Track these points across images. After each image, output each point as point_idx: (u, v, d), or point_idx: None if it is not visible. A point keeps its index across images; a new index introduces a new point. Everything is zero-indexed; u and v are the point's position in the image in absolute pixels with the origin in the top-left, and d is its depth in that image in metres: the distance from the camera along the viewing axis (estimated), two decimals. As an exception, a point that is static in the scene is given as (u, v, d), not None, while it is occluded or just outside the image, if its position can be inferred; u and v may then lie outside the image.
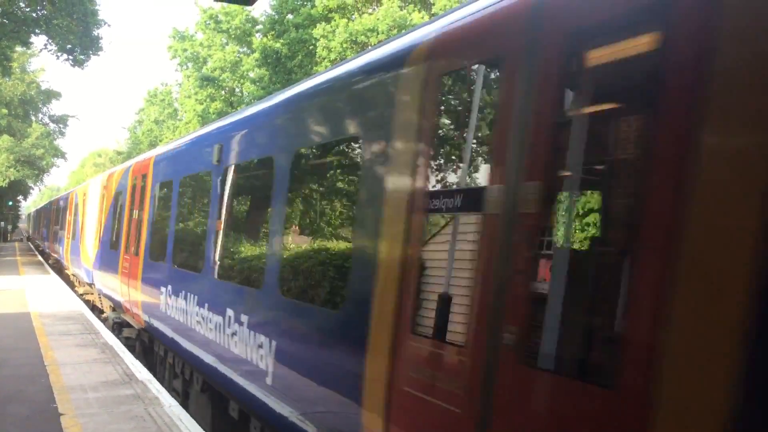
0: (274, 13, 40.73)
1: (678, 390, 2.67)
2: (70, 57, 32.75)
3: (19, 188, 76.06)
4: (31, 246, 64.26)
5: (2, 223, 75.55)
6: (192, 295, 9.39)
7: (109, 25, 41.39)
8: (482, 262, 3.79)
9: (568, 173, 3.60)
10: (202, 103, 43.24)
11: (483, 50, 4.21)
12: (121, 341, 14.38)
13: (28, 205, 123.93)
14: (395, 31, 30.95)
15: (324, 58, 34.15)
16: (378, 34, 32.01)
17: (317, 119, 6.50)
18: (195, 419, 8.77)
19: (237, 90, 44.98)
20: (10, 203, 78.16)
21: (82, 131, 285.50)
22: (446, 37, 4.62)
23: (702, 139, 2.72)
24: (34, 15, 31.08)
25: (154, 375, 11.28)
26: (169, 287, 10.64)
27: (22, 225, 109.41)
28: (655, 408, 2.74)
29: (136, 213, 14.21)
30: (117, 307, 16.16)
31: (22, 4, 30.61)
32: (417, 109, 4.61)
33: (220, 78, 43.45)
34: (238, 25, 43.55)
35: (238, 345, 7.41)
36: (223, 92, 44.80)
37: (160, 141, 55.60)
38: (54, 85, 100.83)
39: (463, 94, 4.52)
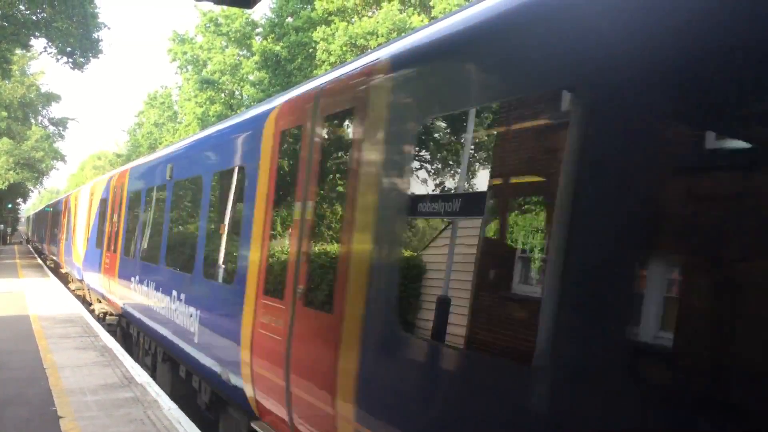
0: (273, 16, 40.78)
1: (352, 310, 5.09)
2: (70, 60, 32.76)
3: (18, 191, 76.09)
4: (31, 249, 64.24)
5: (2, 225, 75.55)
6: (151, 282, 11.86)
7: (108, 28, 41.38)
8: (292, 247, 6.36)
9: (318, 195, 6.16)
10: (201, 106, 43.29)
11: (296, 119, 6.76)
12: (104, 327, 16.66)
13: (28, 208, 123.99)
14: (395, 34, 30.96)
15: (324, 61, 34.16)
16: (378, 37, 32.03)
17: (224, 151, 9.17)
18: (160, 386, 10.51)
19: (237, 93, 45.05)
20: (10, 206, 78.20)
21: (82, 134, 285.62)
22: (284, 107, 7.20)
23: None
24: (33, 18, 31.10)
25: (131, 354, 13.38)
26: (137, 277, 13.00)
27: (22, 228, 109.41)
28: (346, 322, 5.11)
29: (114, 217, 16.73)
30: (102, 298, 18.40)
31: (22, 7, 30.64)
32: (269, 152, 7.21)
33: (220, 81, 43.52)
34: (238, 28, 43.62)
35: (179, 317, 9.77)
36: (222, 95, 44.87)
37: (160, 144, 55.62)
38: (54, 88, 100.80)
39: (291, 145, 6.94)
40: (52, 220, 41.73)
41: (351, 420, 4.95)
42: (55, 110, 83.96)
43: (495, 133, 4.29)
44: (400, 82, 5.01)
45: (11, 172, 58.60)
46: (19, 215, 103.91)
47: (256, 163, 7.50)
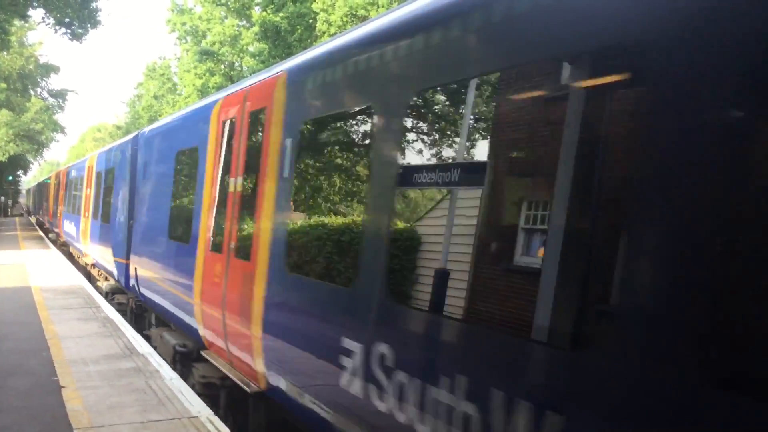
0: (273, -14, 40.35)
1: (262, 258, 7.03)
2: (68, 30, 32.46)
3: (18, 163, 75.94)
4: (32, 221, 64.31)
5: (2, 198, 75.52)
6: (103, 236, 18.35)
7: (107, -2, 41.02)
8: (228, 214, 8.31)
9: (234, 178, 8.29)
10: (201, 78, 42.99)
11: (232, 111, 8.63)
12: (83, 275, 21.18)
13: (29, 180, 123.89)
14: (395, 3, 30.63)
15: (324, 32, 33.86)
16: (378, 7, 31.71)
17: (186, 133, 11.18)
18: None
19: (236, 64, 44.70)
20: (10, 178, 78.10)
21: (82, 106, 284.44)
22: (225, 100, 9.06)
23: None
24: (31, -12, 30.79)
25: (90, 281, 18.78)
26: (100, 231, 18.91)
27: (22, 200, 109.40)
28: (258, 267, 7.01)
29: (88, 191, 22.74)
30: (80, 253, 24.56)
31: (19, -23, 30.30)
32: (214, 137, 9.20)
33: (220, 52, 43.15)
34: (237, -1, 43.20)
35: (157, 273, 12.13)
36: (222, 66, 44.54)
37: (160, 116, 55.37)
38: (52, 59, 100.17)
39: (228, 132, 8.75)
40: (45, 192, 49.61)
41: (259, 338, 6.99)
42: (54, 82, 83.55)
43: (354, 132, 6.35)
44: (293, 90, 6.88)
45: (11, 143, 58.38)
46: (19, 187, 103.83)
47: (205, 145, 9.46)
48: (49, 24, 32.41)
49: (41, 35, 76.52)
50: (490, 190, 4.18)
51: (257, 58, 39.69)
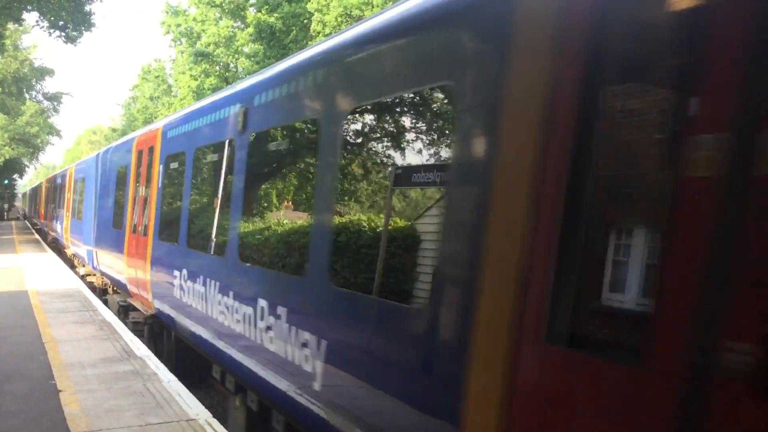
0: (267, -13, 40.27)
1: (151, 233, 12.37)
2: (63, 33, 32.36)
3: (14, 167, 75.75)
4: (28, 225, 64.20)
5: (-2, 202, 75.35)
6: (78, 230, 23.51)
7: (101, 1, 41.00)
8: (139, 209, 13.41)
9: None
10: (196, 79, 42.90)
11: (141, 146, 13.99)
12: (65, 254, 28.30)
13: (24, 184, 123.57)
14: (390, 3, 30.62)
15: (319, 33, 33.82)
16: (373, 7, 31.69)
17: (122, 156, 16.20)
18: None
19: (231, 65, 44.62)
20: (6, 182, 77.92)
21: (77, 108, 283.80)
22: (138, 138, 14.69)
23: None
24: (24, -9, 30.65)
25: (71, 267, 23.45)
26: (77, 226, 24.05)
27: (18, 204, 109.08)
28: (149, 239, 12.42)
29: (69, 194, 28.44)
30: (60, 239, 32.05)
31: (12, -20, 30.17)
32: (134, 164, 14.35)
33: (215, 53, 43.06)
34: (232, 0, 43.08)
35: (105, 254, 17.64)
36: (217, 68, 44.44)
37: (155, 118, 55.26)
38: (47, 62, 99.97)
39: (138, 159, 14.15)
40: (39, 195, 55.39)
41: (149, 281, 12.14)
42: (49, 85, 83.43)
43: (180, 163, 11.10)
44: (164, 137, 12.19)
45: (6, 147, 58.30)
46: (15, 191, 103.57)
47: (130, 164, 14.83)
48: (43, 27, 32.28)
49: (36, 38, 76.45)
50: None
51: (252, 59, 39.64)
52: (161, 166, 11.94)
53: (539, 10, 3.57)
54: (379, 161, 5.78)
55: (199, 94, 40.92)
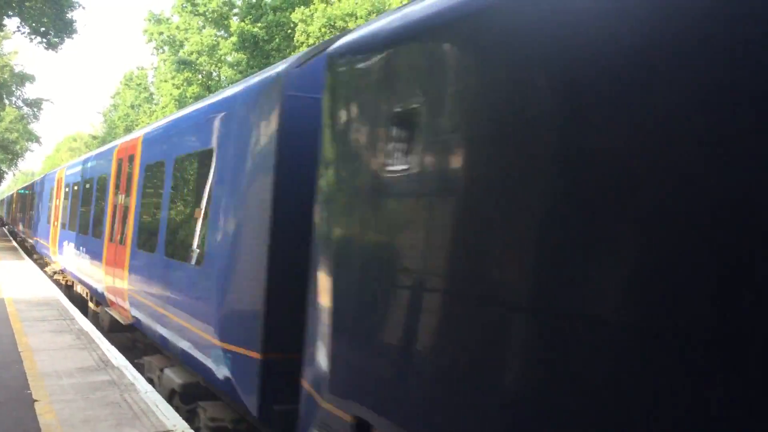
0: (251, -3, 40.35)
1: (129, 242, 11.88)
2: (44, 40, 32.23)
3: (-8, 173, 74.97)
4: (6, 231, 63.46)
5: (-25, 208, 74.41)
6: (45, 234, 26.13)
7: (83, 8, 40.70)
8: (119, 217, 13.03)
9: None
10: (178, 88, 42.84)
11: (121, 155, 13.69)
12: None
13: (3, 190, 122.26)
14: (374, 16, 30.76)
15: (302, 43, 33.89)
16: (357, 18, 31.83)
17: (101, 164, 16.19)
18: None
19: (214, 74, 44.58)
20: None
21: (57, 115, 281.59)
22: (119, 147, 14.20)
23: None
24: (6, -4, 30.49)
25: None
26: (43, 229, 26.90)
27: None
28: (127, 248, 11.85)
29: (40, 204, 30.45)
30: (34, 243, 32.38)
31: (-7, -15, 30.01)
32: (114, 170, 14.11)
33: (197, 62, 43.03)
34: (215, 8, 43.08)
35: (84, 262, 17.28)
36: (200, 76, 44.40)
37: (136, 126, 55.03)
38: (27, 69, 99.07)
39: (118, 168, 13.79)
40: (14, 202, 58.02)
41: (126, 288, 11.64)
42: (29, 91, 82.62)
43: (159, 172, 10.79)
44: (144, 146, 12.02)
45: (-16, 153, 57.71)
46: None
47: (110, 173, 14.50)
48: (24, 33, 32.17)
49: (16, 44, 75.82)
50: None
51: (235, 68, 39.63)
52: (142, 174, 11.94)
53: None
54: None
55: (181, 102, 40.82)
